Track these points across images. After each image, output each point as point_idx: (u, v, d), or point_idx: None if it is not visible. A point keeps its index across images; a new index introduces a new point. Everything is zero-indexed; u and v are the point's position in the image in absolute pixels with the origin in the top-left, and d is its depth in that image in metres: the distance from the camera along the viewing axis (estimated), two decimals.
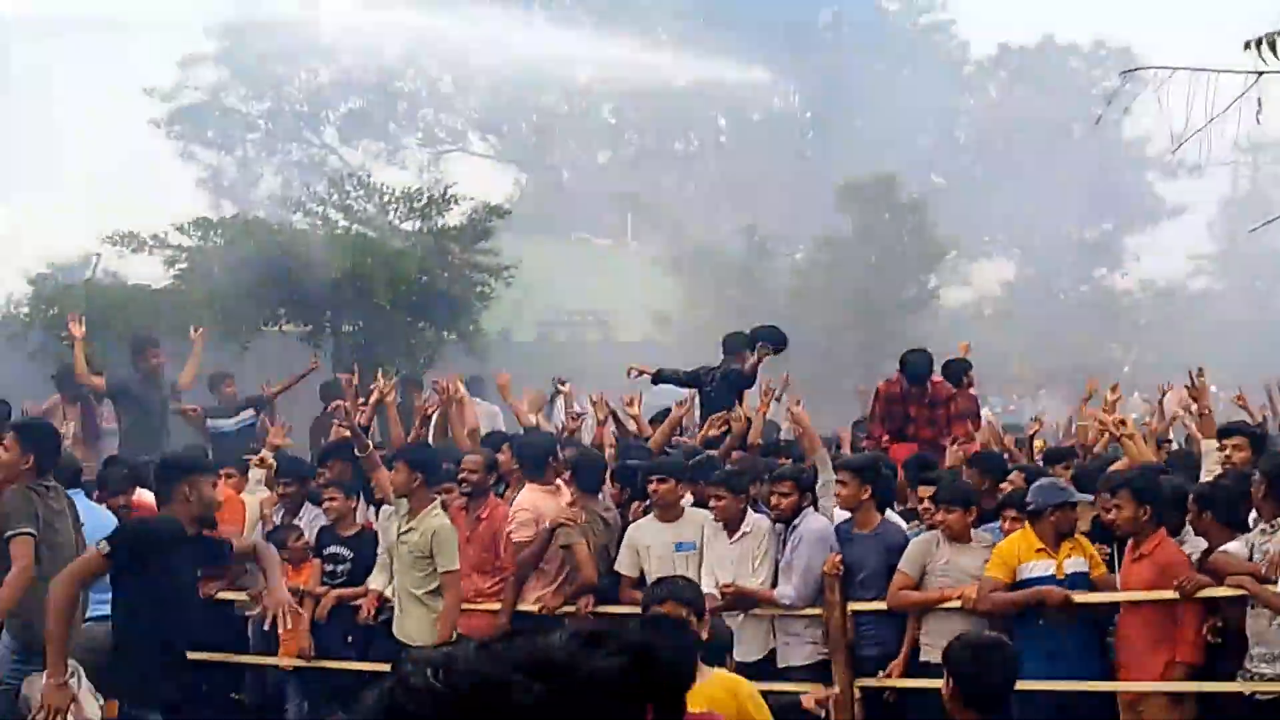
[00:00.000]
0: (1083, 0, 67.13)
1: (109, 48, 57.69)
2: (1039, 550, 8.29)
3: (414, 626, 8.96)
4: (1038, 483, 8.72)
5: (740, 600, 8.90)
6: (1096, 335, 43.77)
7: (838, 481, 9.09)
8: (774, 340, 13.12)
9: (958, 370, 13.14)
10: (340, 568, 10.12)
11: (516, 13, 52.62)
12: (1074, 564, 8.33)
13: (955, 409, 12.60)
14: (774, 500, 9.07)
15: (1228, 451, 9.88)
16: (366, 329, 17.47)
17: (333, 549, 10.16)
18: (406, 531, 9.05)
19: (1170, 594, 7.88)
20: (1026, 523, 8.47)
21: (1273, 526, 7.81)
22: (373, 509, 10.51)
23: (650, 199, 30.67)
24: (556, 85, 53.37)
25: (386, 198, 19.33)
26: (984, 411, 13.39)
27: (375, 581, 9.87)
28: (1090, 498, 9.08)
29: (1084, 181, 49.88)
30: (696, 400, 13.35)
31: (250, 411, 14.77)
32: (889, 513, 9.39)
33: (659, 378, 13.59)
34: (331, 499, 10.19)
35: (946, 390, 12.75)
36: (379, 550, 9.99)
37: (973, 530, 8.73)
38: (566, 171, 54.13)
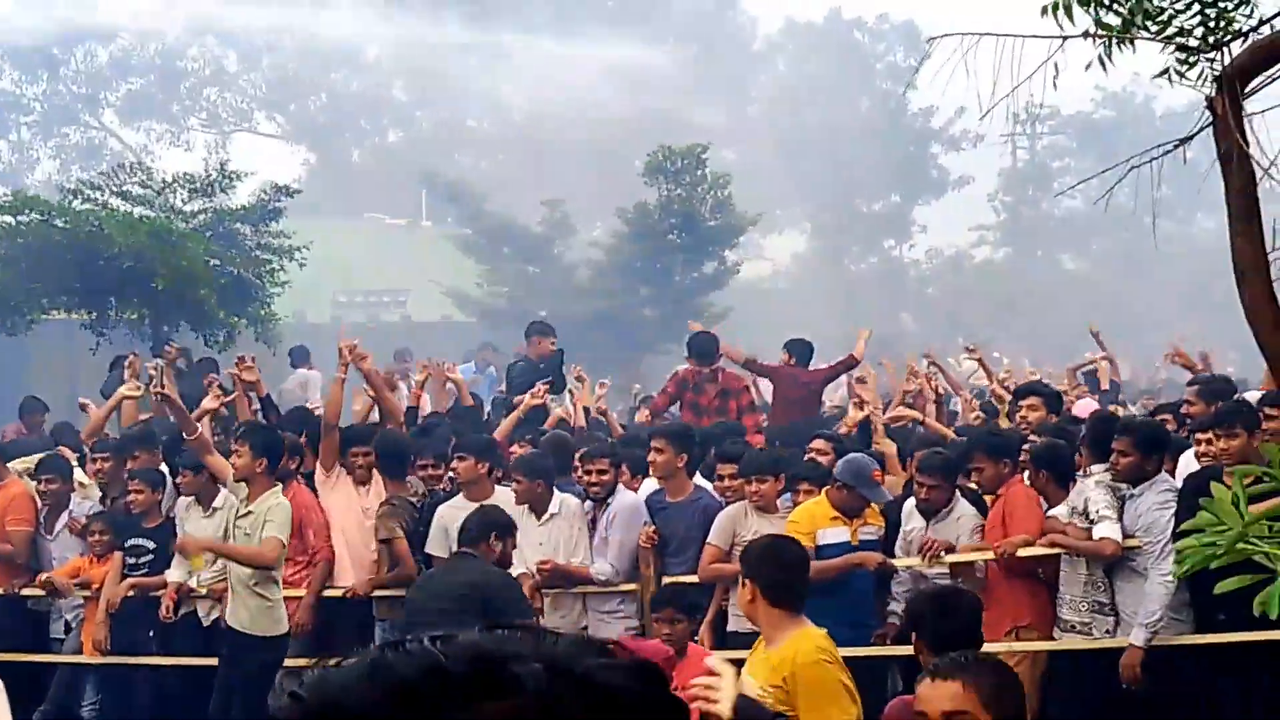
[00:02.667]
0: None
1: None
2: (833, 518, 8.37)
3: (247, 616, 8.65)
4: (846, 458, 8.79)
5: (557, 578, 8.83)
6: (887, 305, 44.76)
7: (653, 449, 9.05)
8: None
9: (711, 348, 12.95)
10: (143, 559, 9.81)
11: None
12: (867, 531, 8.46)
13: (744, 402, 12.67)
14: (591, 479, 9.01)
15: (1023, 411, 10.18)
16: (151, 314, 16.91)
17: (135, 540, 9.84)
18: (244, 515, 8.71)
19: (985, 554, 8.14)
20: (822, 490, 8.53)
21: (1086, 473, 8.14)
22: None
23: (446, 176, 30.34)
24: (345, 62, 52.65)
25: (166, 180, 18.75)
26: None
27: (174, 574, 9.59)
28: (888, 496, 9.23)
29: (871, 155, 50.95)
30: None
31: None
32: (699, 480, 9.39)
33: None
34: (138, 491, 9.86)
35: (738, 382, 12.79)
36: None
37: (778, 500, 8.76)
38: (357, 151, 53.44)
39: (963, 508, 8.46)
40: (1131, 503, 7.87)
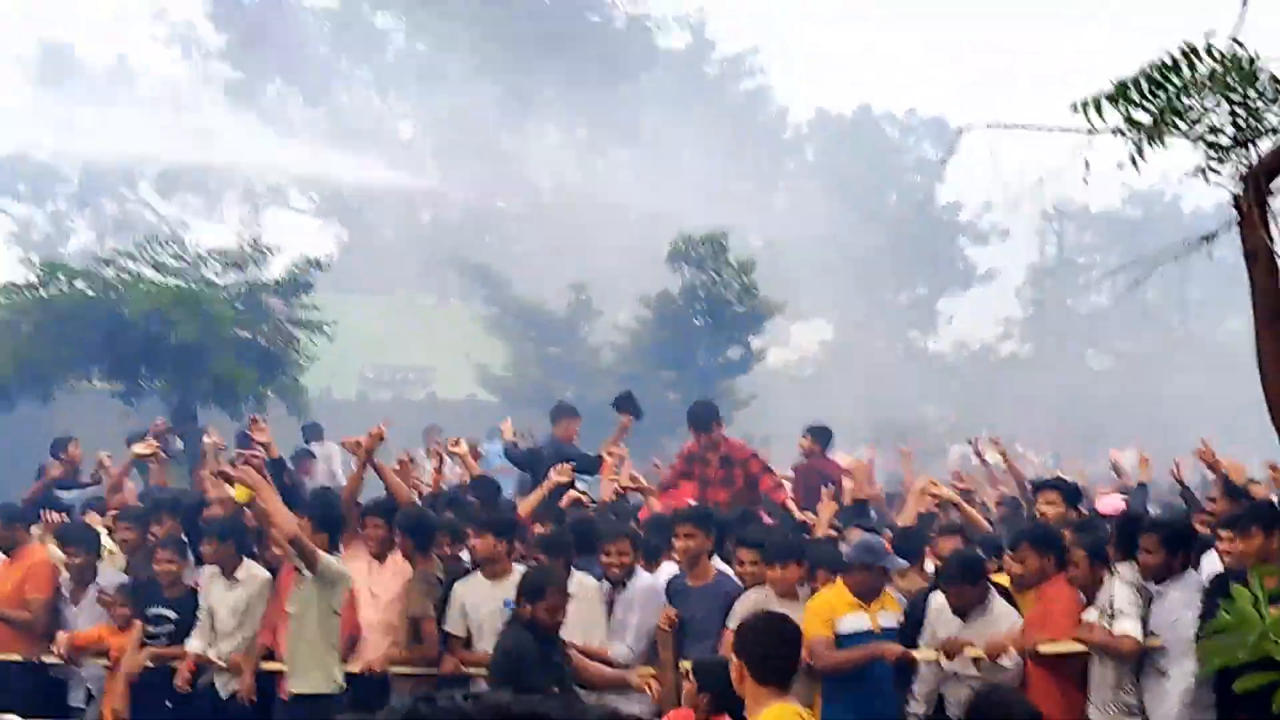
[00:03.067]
0: (897, 71, 69.08)
1: None
2: (852, 604, 8.34)
3: (321, 676, 8.65)
4: (857, 540, 8.80)
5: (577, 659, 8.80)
6: (911, 396, 44.69)
7: (682, 535, 9.04)
8: (630, 409, 13.23)
9: (705, 415, 12.84)
10: (162, 629, 9.79)
11: (341, 68, 52.40)
12: (887, 618, 8.41)
13: (754, 469, 12.51)
14: (611, 559, 9.00)
15: (1041, 505, 10.15)
16: (181, 384, 16.98)
17: (156, 610, 9.83)
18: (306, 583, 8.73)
19: (1010, 649, 8.08)
20: (838, 577, 8.51)
21: (1114, 572, 8.07)
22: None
23: (474, 257, 30.56)
24: (375, 143, 53.15)
25: (200, 253, 18.90)
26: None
27: (193, 644, 9.58)
28: (905, 563, 9.22)
29: (898, 246, 51.17)
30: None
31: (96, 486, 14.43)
32: (720, 564, 9.35)
33: (508, 453, 13.81)
34: (169, 560, 9.86)
35: (743, 451, 12.68)
36: (199, 611, 9.69)
37: (797, 587, 8.73)
38: (388, 228, 53.79)
39: (999, 606, 8.35)
40: (1158, 601, 7.83)
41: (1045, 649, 7.98)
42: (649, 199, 49.02)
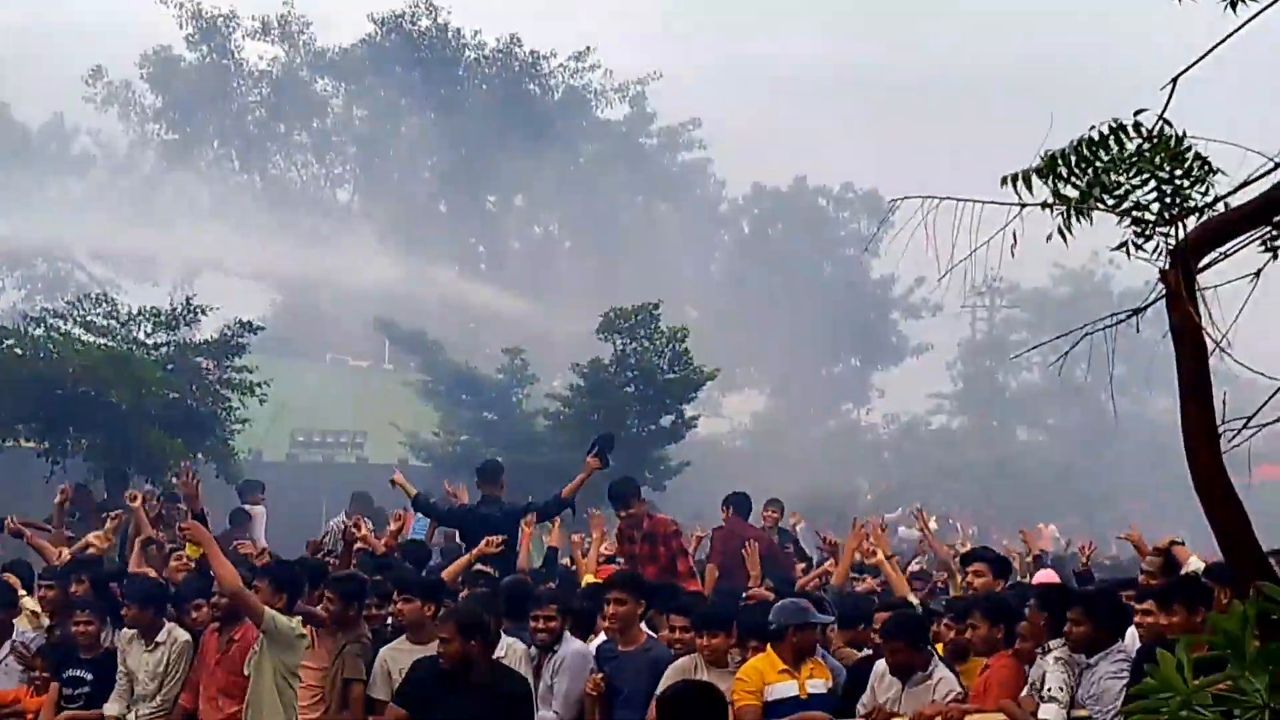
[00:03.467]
0: (833, 146, 69.81)
1: None
2: (781, 671, 8.32)
3: None
4: (779, 603, 8.79)
5: None
6: (843, 467, 44.92)
7: (613, 600, 8.98)
8: (604, 451, 13.28)
9: (624, 491, 12.83)
10: (79, 690, 9.64)
11: (279, 132, 52.36)
12: (815, 685, 8.38)
13: (674, 546, 12.39)
14: (539, 625, 8.93)
15: (969, 577, 10.19)
16: (109, 442, 16.81)
17: (74, 672, 9.68)
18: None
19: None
20: (768, 645, 8.49)
21: (1043, 650, 8.06)
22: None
23: (409, 323, 30.48)
24: (316, 205, 53.09)
25: (131, 313, 18.76)
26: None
27: (111, 708, 9.44)
28: (830, 619, 9.25)
29: (832, 318, 51.59)
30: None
31: None
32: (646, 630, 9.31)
33: (416, 502, 13.57)
34: (86, 622, 9.73)
35: (666, 528, 12.54)
36: (117, 674, 9.55)
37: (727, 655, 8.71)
38: (323, 292, 53.61)
39: (942, 672, 8.33)
40: (1087, 672, 7.84)
41: (971, 719, 7.98)
42: (584, 266, 49.22)
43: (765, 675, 8.25)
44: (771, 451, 45.62)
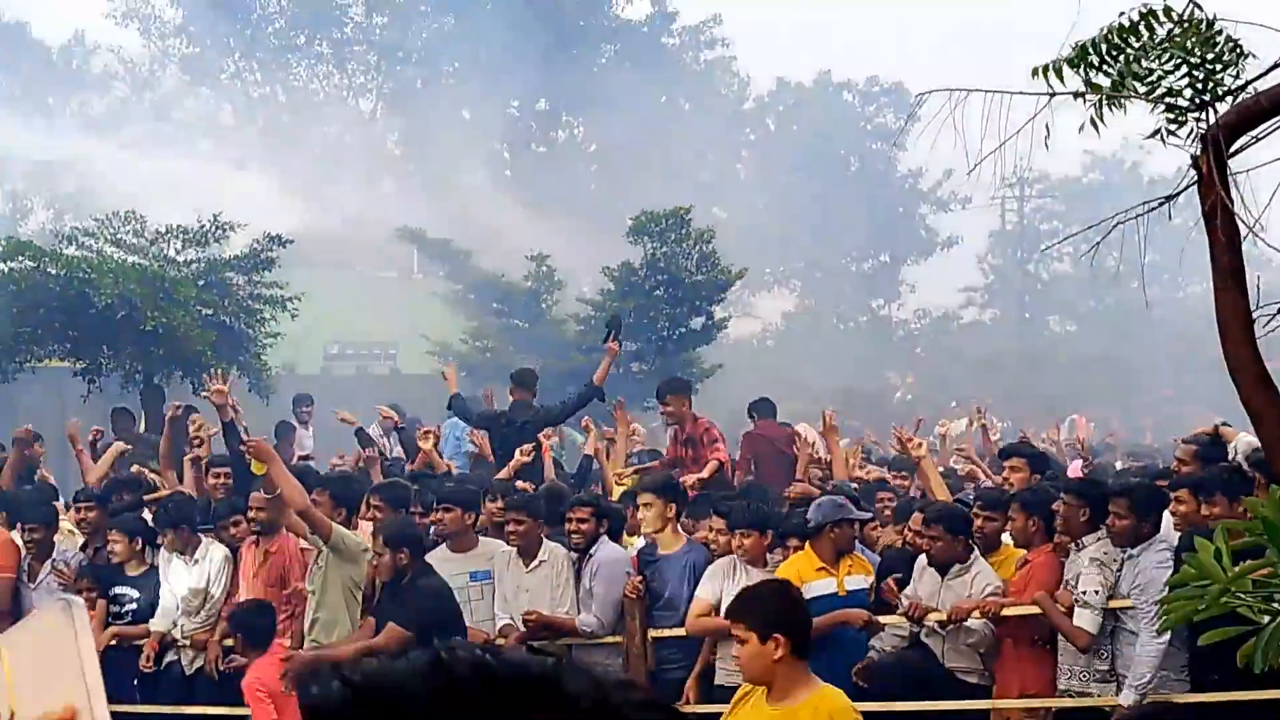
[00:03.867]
0: (857, 39, 69.13)
1: None
2: (819, 569, 8.35)
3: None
4: (817, 501, 8.81)
5: (543, 629, 8.79)
6: (874, 363, 44.93)
7: (641, 504, 9.03)
8: (616, 332, 13.26)
9: (666, 389, 12.67)
10: (126, 607, 9.77)
11: (299, 42, 52.09)
12: (854, 581, 8.42)
13: (710, 436, 12.18)
14: (572, 527, 8.99)
15: (1006, 472, 10.18)
16: (144, 363, 16.89)
17: (120, 589, 9.80)
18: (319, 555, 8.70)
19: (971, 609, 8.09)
20: (807, 542, 8.51)
21: (1078, 546, 8.04)
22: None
23: (435, 231, 30.44)
24: (338, 115, 52.88)
25: (160, 230, 18.78)
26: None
27: (157, 624, 9.59)
28: (868, 515, 9.29)
29: (860, 215, 51.31)
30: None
31: None
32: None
33: (453, 403, 13.60)
34: (115, 541, 9.85)
35: (699, 428, 12.32)
36: (161, 590, 9.69)
37: (768, 554, 8.75)
38: (350, 202, 53.57)
39: (981, 566, 8.32)
40: (1130, 564, 7.80)
41: (1009, 612, 8.01)
42: (609, 170, 49.02)
43: (803, 573, 8.29)
44: (803, 350, 45.63)
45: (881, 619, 8.37)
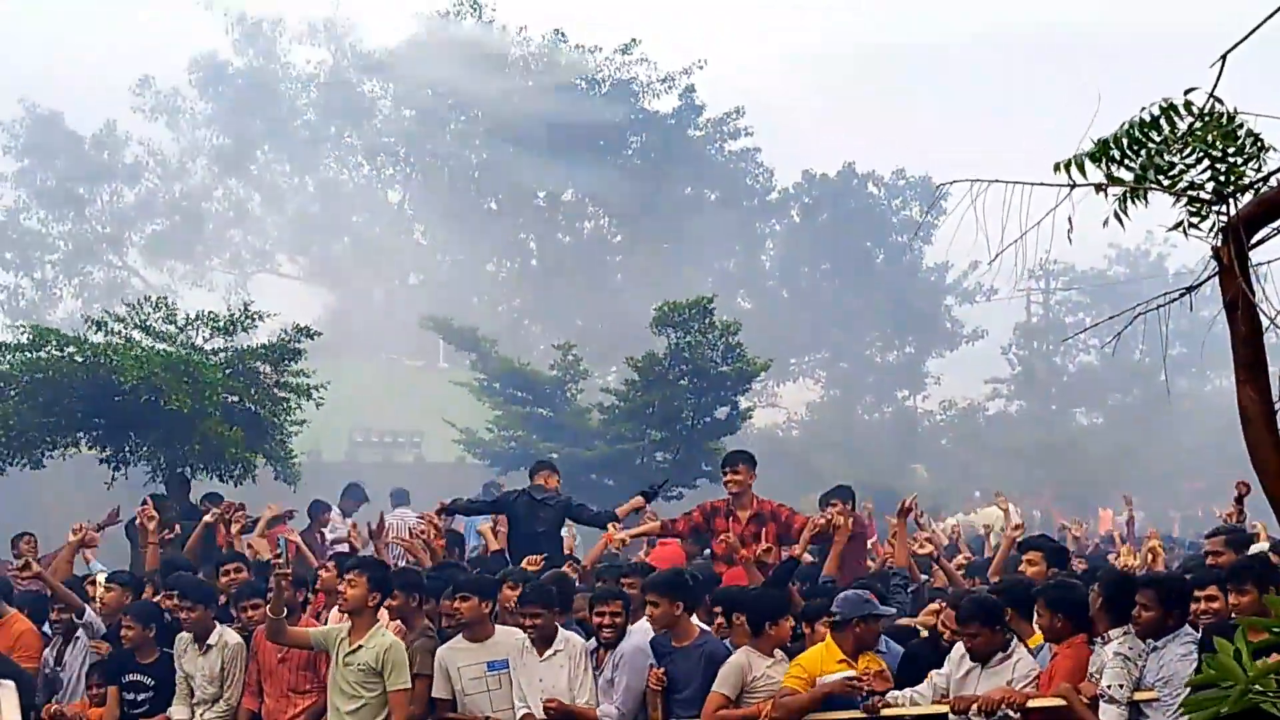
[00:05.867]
0: (883, 133, 69.63)
1: None
2: (840, 661, 8.32)
3: None
4: (843, 594, 8.76)
5: (565, 718, 8.74)
6: (900, 455, 44.82)
7: (648, 602, 8.96)
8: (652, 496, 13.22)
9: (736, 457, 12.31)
10: (141, 696, 9.74)
11: (329, 134, 52.71)
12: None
13: (783, 515, 11.49)
14: (605, 620, 8.95)
15: (1023, 565, 10.12)
16: (170, 450, 16.94)
17: (133, 676, 9.78)
18: (353, 651, 8.72)
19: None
20: (828, 634, 8.48)
21: (1103, 640, 7.97)
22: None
23: (461, 321, 30.61)
24: (367, 206, 53.37)
25: (189, 317, 18.90)
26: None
27: (177, 713, 9.57)
28: (893, 610, 9.24)
29: (885, 306, 51.42)
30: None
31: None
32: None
33: (454, 508, 13.35)
34: (128, 627, 9.85)
35: (767, 505, 11.62)
36: (177, 678, 9.66)
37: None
38: (377, 292, 53.94)
39: (1021, 654, 8.22)
40: (1155, 655, 7.76)
41: (1035, 703, 7.94)
42: (635, 260, 49.28)
43: (823, 664, 8.26)
44: (827, 440, 45.54)
45: (893, 693, 8.26)
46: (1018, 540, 11.42)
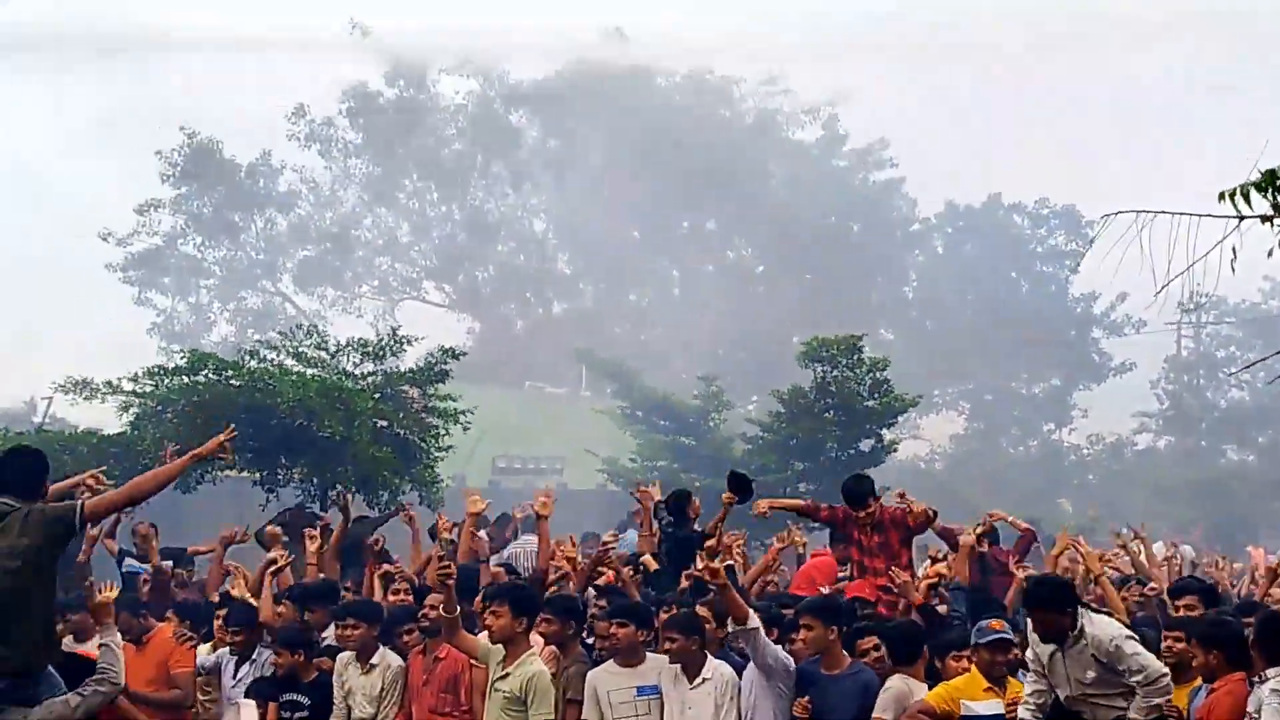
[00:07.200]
0: (1027, 162, 68.82)
1: (63, 190, 57.89)
2: (987, 689, 8.23)
3: None
4: (978, 625, 8.71)
5: None
6: (1045, 489, 44.13)
7: (802, 625, 8.94)
8: (737, 488, 13.10)
9: (859, 490, 12.35)
10: (298, 715, 9.90)
11: (476, 163, 53.44)
12: (990, 706, 8.29)
13: (910, 522, 11.56)
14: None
15: (1180, 611, 9.90)
16: (320, 473, 17.26)
17: (290, 696, 9.95)
18: (501, 678, 8.84)
19: None
20: (974, 664, 8.41)
21: (1261, 679, 7.81)
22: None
23: (604, 350, 30.82)
24: (513, 235, 53.97)
25: (340, 344, 19.27)
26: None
27: None
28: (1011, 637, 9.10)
29: (1032, 337, 50.73)
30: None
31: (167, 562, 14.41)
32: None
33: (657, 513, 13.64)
34: (278, 653, 10.03)
35: (891, 512, 11.74)
36: (335, 697, 9.81)
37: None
38: (520, 321, 54.50)
39: (1092, 626, 8.15)
40: None
41: None
42: (777, 289, 49.20)
43: (968, 692, 8.20)
44: (972, 473, 45.02)
45: None
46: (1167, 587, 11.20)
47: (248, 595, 11.41)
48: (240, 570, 12.00)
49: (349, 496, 13.24)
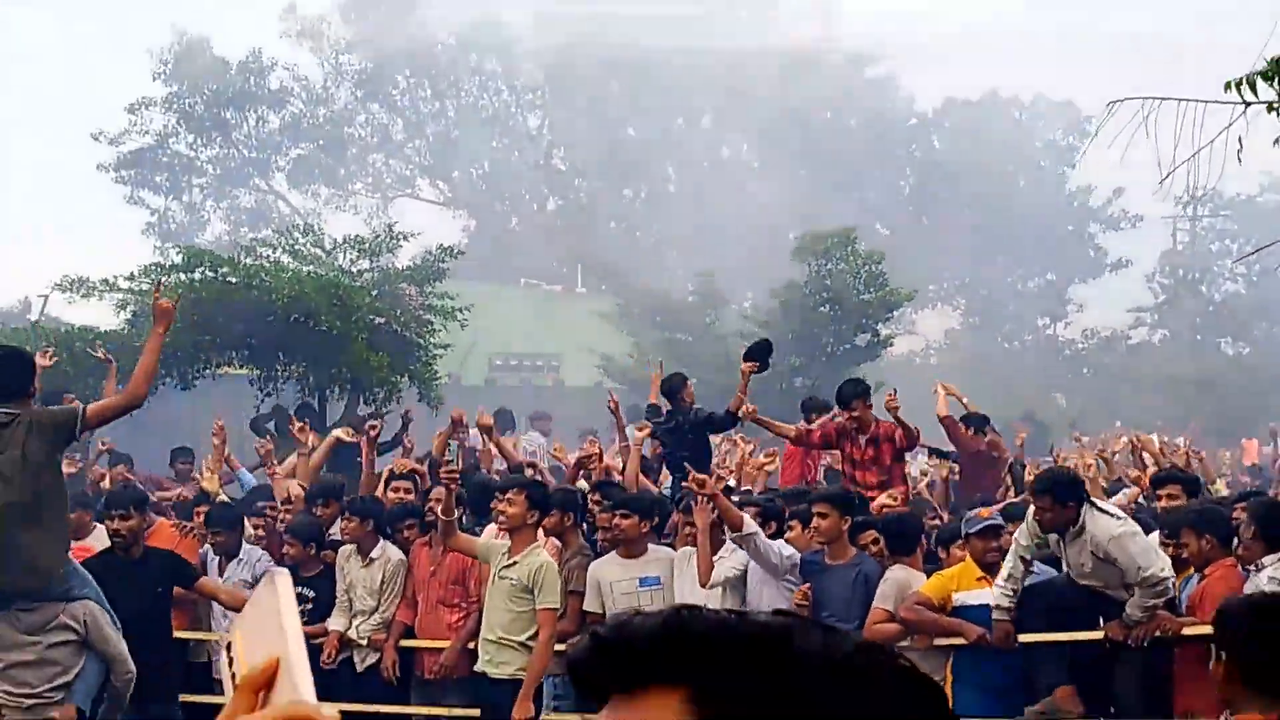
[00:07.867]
0: (1023, 56, 68.21)
1: (55, 92, 57.42)
2: (980, 578, 8.37)
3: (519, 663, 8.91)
4: (967, 514, 8.88)
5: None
6: (1040, 384, 44.25)
7: (817, 514, 9.03)
8: (758, 356, 13.24)
9: (849, 392, 12.59)
10: (304, 606, 10.04)
11: (469, 60, 52.97)
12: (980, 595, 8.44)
13: (900, 440, 12.05)
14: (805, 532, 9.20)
15: (1163, 500, 10.01)
16: (316, 367, 17.28)
17: (298, 589, 10.07)
18: (508, 566, 8.96)
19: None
20: (968, 554, 8.54)
21: (1258, 567, 7.90)
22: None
23: (599, 248, 30.77)
24: (506, 131, 53.61)
25: (336, 241, 19.26)
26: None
27: (335, 623, 9.84)
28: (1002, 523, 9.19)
29: (1027, 233, 50.63)
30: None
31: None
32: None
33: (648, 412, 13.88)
34: (290, 544, 10.17)
35: (888, 428, 12.16)
36: (338, 589, 9.95)
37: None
38: (515, 218, 54.30)
39: (1093, 525, 8.11)
40: None
41: (1189, 631, 7.89)
42: (774, 188, 48.99)
43: (961, 582, 8.36)
44: (966, 368, 45.13)
45: (1025, 638, 8.26)
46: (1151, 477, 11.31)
47: (220, 490, 11.61)
48: (207, 460, 12.18)
49: (377, 425, 13.18)
